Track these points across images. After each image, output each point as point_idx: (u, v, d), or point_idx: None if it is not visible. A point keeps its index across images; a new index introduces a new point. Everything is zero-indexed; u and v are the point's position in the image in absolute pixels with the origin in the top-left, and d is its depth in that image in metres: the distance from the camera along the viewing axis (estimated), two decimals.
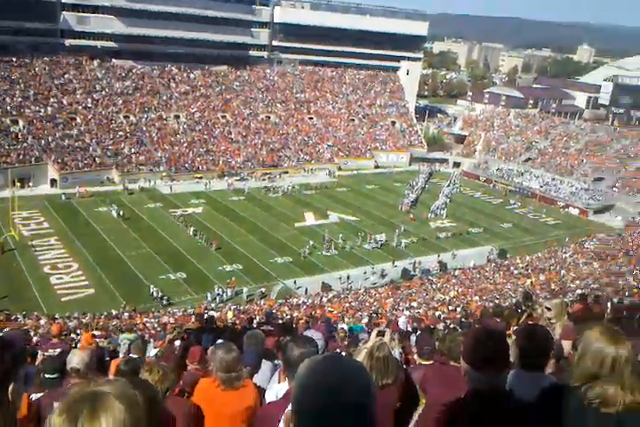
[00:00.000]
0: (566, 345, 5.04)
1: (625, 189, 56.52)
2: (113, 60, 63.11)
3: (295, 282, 34.59)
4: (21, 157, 47.29)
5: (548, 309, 5.36)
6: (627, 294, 23.47)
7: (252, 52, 72.80)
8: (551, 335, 3.61)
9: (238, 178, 54.55)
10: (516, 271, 36.96)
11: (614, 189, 57.10)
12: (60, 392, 4.21)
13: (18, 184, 43.59)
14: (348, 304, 30.62)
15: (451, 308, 28.37)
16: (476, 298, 31.17)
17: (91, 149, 51.80)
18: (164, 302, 30.93)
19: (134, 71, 63.57)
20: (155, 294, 31.33)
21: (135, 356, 7.79)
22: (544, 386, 2.66)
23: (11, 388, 1.95)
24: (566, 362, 4.48)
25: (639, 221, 49.50)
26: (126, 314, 28.14)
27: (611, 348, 2.39)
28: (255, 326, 13.82)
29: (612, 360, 2.37)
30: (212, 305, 30.43)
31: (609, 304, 16.32)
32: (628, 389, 2.30)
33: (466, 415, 2.38)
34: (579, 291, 26.93)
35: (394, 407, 4.08)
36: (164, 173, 52.30)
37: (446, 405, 2.47)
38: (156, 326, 24.39)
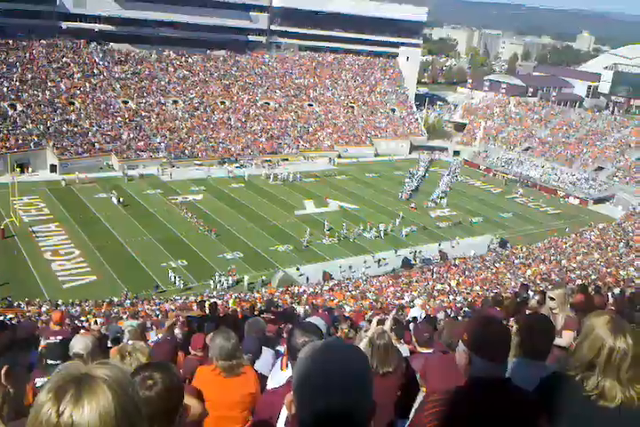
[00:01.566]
0: (568, 336, 5.05)
1: (625, 179, 56.56)
2: (110, 43, 62.52)
3: (298, 269, 34.60)
4: (20, 142, 46.99)
5: (552, 298, 5.30)
6: (628, 284, 23.54)
7: (251, 37, 72.18)
8: (553, 325, 3.64)
9: (238, 165, 54.35)
10: (516, 261, 37.03)
11: (615, 178, 57.13)
12: None
13: (17, 170, 43.34)
14: (348, 293, 30.72)
15: (451, 297, 28.49)
16: (477, 288, 31.28)
17: (90, 134, 51.48)
18: (182, 286, 31.36)
19: (132, 55, 63.01)
20: (173, 278, 31.81)
21: (132, 342, 7.79)
22: (544, 375, 2.71)
23: (3, 371, 1.90)
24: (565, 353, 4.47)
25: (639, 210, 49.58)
26: (128, 301, 28.19)
27: (610, 338, 2.39)
28: (257, 313, 13.85)
29: (608, 350, 2.37)
30: (214, 293, 30.48)
31: (610, 295, 16.39)
32: (625, 383, 2.32)
33: (466, 403, 2.37)
34: (579, 281, 27.04)
35: (395, 395, 4.09)
36: (163, 160, 52.05)
37: (446, 392, 2.46)
38: (157, 313, 24.48)
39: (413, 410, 4.00)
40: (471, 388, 2.45)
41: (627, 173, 57.42)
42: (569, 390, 2.46)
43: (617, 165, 59.16)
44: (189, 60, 66.34)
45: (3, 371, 1.89)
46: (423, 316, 15.85)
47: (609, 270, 31.60)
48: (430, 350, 5.52)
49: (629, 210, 50.75)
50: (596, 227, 45.59)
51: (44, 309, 24.86)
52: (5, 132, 47.06)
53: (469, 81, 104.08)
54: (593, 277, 29.75)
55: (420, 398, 4.06)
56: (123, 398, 1.26)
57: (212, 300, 26.82)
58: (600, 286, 18.11)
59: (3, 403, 1.91)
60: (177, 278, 31.85)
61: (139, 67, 62.18)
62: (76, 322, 18.29)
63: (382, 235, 41.09)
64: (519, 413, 2.36)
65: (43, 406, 1.23)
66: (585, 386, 2.39)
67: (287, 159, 58.08)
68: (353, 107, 70.75)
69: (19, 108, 50.35)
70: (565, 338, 5.01)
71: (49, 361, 5.02)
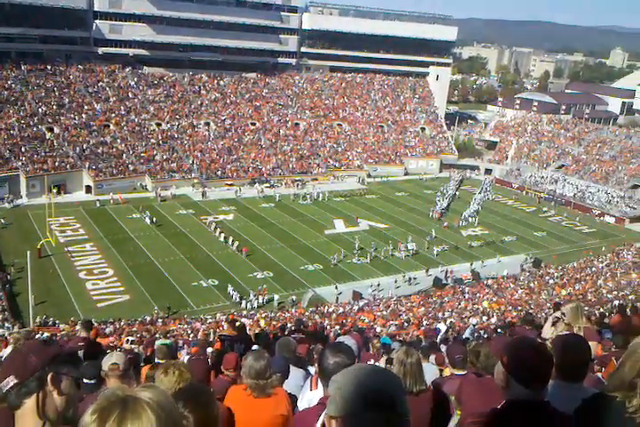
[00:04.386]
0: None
1: None
2: (145, 67, 64.16)
3: (337, 287, 34.52)
4: (57, 163, 48.26)
5: (564, 314, 5.33)
6: None
7: (281, 59, 73.28)
8: (588, 345, 3.53)
9: (268, 185, 54.79)
10: (551, 281, 36.29)
11: None
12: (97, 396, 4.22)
13: (54, 191, 44.45)
14: (379, 313, 30.43)
15: (485, 318, 27.98)
16: (510, 308, 30.69)
17: (124, 156, 52.63)
18: (245, 303, 32.01)
19: (165, 79, 64.52)
20: (233, 295, 32.50)
21: (161, 361, 7.86)
22: (585, 397, 2.60)
23: (50, 377, 1.99)
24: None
25: None
26: (160, 320, 28.41)
27: None
28: (287, 333, 13.80)
29: None
30: (244, 312, 30.52)
31: None
32: None
33: (504, 425, 2.34)
34: (616, 302, 26.32)
35: (428, 416, 4.01)
36: (195, 180, 52.81)
37: (483, 415, 2.42)
38: (189, 331, 24.60)
39: None
40: (509, 410, 2.41)
41: None
42: (610, 412, 2.39)
43: None
44: (221, 82, 67.59)
45: (49, 377, 1.96)
46: (446, 330, 15.65)
47: None
48: (464, 372, 5.41)
49: None
50: (633, 246, 44.49)
51: (78, 327, 25.19)
52: (43, 154, 48.43)
53: (500, 99, 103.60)
54: (631, 297, 28.94)
55: (455, 420, 3.99)
56: (165, 421, 1.27)
57: (243, 319, 26.94)
58: (639, 307, 17.61)
59: (45, 404, 1.97)
60: (235, 293, 32.60)
61: (172, 90, 63.59)
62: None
63: (412, 254, 40.75)
64: None
65: None
66: (627, 407, 2.32)
67: (317, 179, 58.33)
68: (382, 126, 70.93)
69: (56, 130, 51.84)
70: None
71: (85, 381, 5.07)
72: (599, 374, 5.49)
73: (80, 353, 7.18)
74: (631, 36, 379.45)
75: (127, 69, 62.77)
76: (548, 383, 2.53)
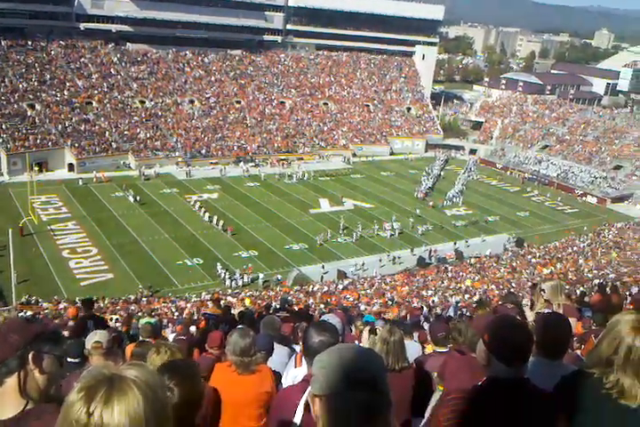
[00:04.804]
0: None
1: None
2: (128, 44, 62.96)
3: (323, 267, 34.65)
4: (39, 141, 47.53)
5: (543, 290, 5.49)
6: None
7: (267, 37, 72.24)
8: (569, 324, 3.61)
9: (253, 164, 54.51)
10: (533, 260, 36.76)
11: (633, 177, 56.41)
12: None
13: (36, 168, 43.83)
14: (363, 292, 30.70)
15: (467, 296, 28.35)
16: (493, 287, 31.11)
17: (107, 133, 51.94)
18: (232, 281, 31.91)
19: (149, 55, 63.41)
20: (221, 273, 32.43)
21: (146, 339, 7.91)
22: (564, 374, 2.70)
23: (31, 355, 2.00)
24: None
25: None
26: (144, 299, 28.42)
27: (630, 336, 2.36)
28: (272, 312, 13.90)
29: (626, 348, 2.34)
30: (229, 291, 30.61)
31: (628, 294, 16.20)
32: None
33: (484, 402, 2.38)
34: (597, 280, 26.79)
35: (410, 393, 4.10)
36: (179, 159, 52.37)
37: (464, 391, 2.47)
38: (174, 310, 24.68)
39: (430, 408, 4.01)
40: (489, 387, 2.45)
41: None
42: (589, 388, 2.44)
43: (636, 163, 58.40)
44: (205, 59, 66.63)
45: (30, 355, 1.97)
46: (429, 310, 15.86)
47: (627, 270, 31.29)
48: (446, 349, 5.50)
49: None
50: (614, 226, 45.09)
51: (61, 306, 25.14)
52: (24, 131, 47.64)
53: (486, 79, 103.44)
54: (611, 276, 29.47)
55: (436, 396, 4.06)
56: (152, 399, 1.27)
57: (228, 298, 27.02)
58: (618, 286, 17.93)
59: (26, 383, 1.97)
60: (223, 271, 32.55)
61: (155, 67, 62.58)
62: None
63: (397, 233, 40.97)
64: (537, 411, 2.35)
65: (73, 406, 1.24)
66: (605, 384, 2.37)
67: (302, 158, 58.12)
68: (368, 105, 70.60)
69: (37, 107, 50.92)
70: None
71: (69, 359, 5.08)
72: (578, 352, 5.61)
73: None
74: (616, 16, 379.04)
75: (110, 46, 61.53)
76: (529, 361, 2.57)
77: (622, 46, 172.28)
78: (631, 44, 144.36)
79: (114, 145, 51.07)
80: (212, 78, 64.56)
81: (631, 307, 10.81)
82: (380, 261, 36.32)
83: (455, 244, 40.00)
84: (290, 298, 24.70)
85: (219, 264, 33.23)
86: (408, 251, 38.30)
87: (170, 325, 16.36)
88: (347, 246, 38.65)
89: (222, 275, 32.40)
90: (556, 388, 2.66)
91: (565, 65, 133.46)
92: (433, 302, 26.68)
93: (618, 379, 2.36)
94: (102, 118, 53.34)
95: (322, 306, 23.75)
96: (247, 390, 4.18)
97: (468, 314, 15.44)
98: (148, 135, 53.88)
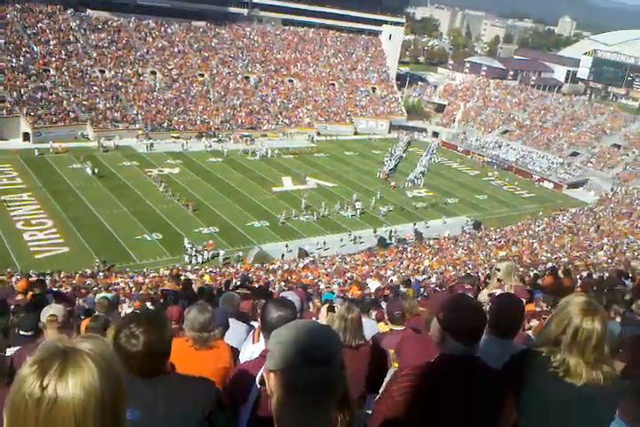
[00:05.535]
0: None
1: (599, 165, 57.42)
2: (88, 10, 60.75)
3: (287, 245, 34.54)
4: None
5: (498, 270, 5.67)
6: (596, 268, 24.06)
7: (232, 9, 70.74)
8: (522, 304, 3.73)
9: (216, 139, 53.76)
10: (489, 243, 37.54)
11: (589, 164, 57.94)
12: (34, 348, 4.21)
13: None
14: (323, 270, 30.90)
15: (425, 276, 28.83)
16: (450, 268, 31.70)
17: (65, 103, 50.32)
18: (189, 257, 31.49)
19: (110, 23, 61.34)
20: (188, 248, 31.82)
21: (101, 314, 7.87)
22: (514, 352, 2.80)
23: None
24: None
25: (611, 196, 50.46)
26: (101, 273, 28.00)
27: (578, 317, 2.45)
28: (231, 288, 13.89)
29: (574, 329, 2.45)
30: (189, 267, 30.40)
31: (578, 278, 16.76)
32: (588, 363, 2.39)
33: (435, 378, 2.44)
34: (550, 264, 27.56)
35: (366, 370, 4.19)
36: (139, 131, 51.23)
37: (417, 368, 2.53)
38: (131, 285, 24.38)
39: (384, 384, 4.10)
40: (441, 364, 2.51)
41: (601, 159, 58.26)
42: (536, 367, 2.54)
43: (592, 150, 59.94)
44: (168, 30, 64.89)
45: None
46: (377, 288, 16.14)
47: (579, 254, 32.26)
48: (402, 327, 5.61)
49: (602, 195, 51.65)
50: (569, 211, 46.35)
51: (14, 279, 24.54)
52: None
53: (450, 62, 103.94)
54: (564, 260, 30.35)
55: (391, 373, 4.15)
56: (107, 372, 1.26)
57: (187, 274, 26.85)
58: (570, 269, 18.51)
59: None
60: (190, 246, 31.95)
61: (116, 35, 60.64)
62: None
63: (359, 213, 41.25)
64: (487, 388, 2.43)
65: (26, 379, 1.21)
66: (552, 363, 2.47)
67: (266, 135, 57.59)
68: (334, 84, 70.19)
69: None
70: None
71: (21, 332, 5.00)
72: (529, 332, 5.80)
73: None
74: (582, 6, 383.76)
75: (69, 11, 59.24)
76: (481, 339, 2.66)
77: (584, 34, 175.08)
78: (592, 33, 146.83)
79: (72, 115, 49.56)
80: (175, 50, 63.02)
81: (580, 290, 11.18)
82: (342, 240, 36.57)
83: (414, 224, 40.54)
84: (250, 275, 24.69)
85: (186, 239, 32.75)
86: (369, 231, 38.63)
87: (127, 300, 16.20)
88: (309, 225, 38.72)
89: (189, 250, 31.97)
90: (505, 366, 2.76)
91: (528, 51, 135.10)
92: (391, 281, 27.05)
93: (564, 358, 2.45)
94: (60, 87, 51.61)
95: (282, 284, 23.84)
96: (204, 366, 4.17)
97: (425, 294, 15.75)
98: (108, 106, 52.44)
